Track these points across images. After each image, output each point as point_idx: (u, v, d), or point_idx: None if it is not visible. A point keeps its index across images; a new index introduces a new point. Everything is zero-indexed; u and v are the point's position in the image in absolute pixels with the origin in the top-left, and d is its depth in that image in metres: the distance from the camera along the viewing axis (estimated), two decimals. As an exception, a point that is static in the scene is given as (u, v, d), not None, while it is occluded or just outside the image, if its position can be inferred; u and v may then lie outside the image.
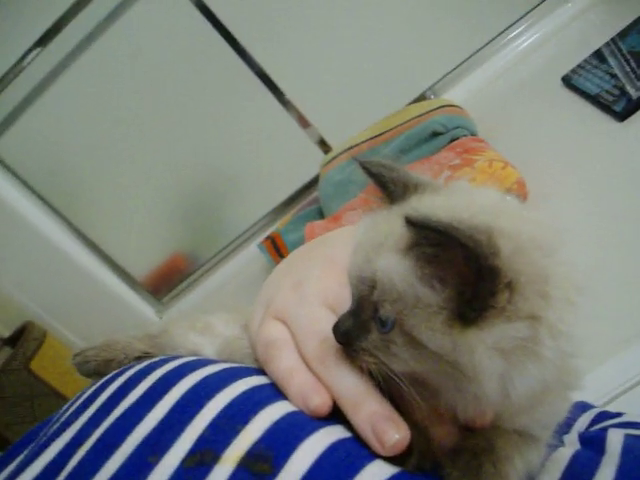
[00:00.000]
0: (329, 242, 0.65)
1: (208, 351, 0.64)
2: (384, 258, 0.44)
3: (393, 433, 0.44)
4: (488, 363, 0.41)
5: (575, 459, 0.51)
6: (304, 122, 2.53)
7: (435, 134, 2.01)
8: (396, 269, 0.43)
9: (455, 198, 0.47)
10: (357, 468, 0.43)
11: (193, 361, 0.54)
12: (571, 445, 0.56)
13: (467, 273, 0.40)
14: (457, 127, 2.01)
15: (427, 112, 2.09)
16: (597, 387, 1.30)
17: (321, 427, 0.46)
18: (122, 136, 2.49)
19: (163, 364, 0.53)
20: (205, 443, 0.44)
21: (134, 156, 2.54)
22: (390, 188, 0.50)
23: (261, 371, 0.54)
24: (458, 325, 0.41)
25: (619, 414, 0.69)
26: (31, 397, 2.29)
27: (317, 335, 0.51)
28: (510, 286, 0.40)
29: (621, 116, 1.93)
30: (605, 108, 1.99)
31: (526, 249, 0.42)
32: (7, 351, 2.46)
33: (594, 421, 0.68)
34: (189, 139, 2.55)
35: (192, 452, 0.43)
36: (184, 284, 2.82)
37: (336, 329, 0.47)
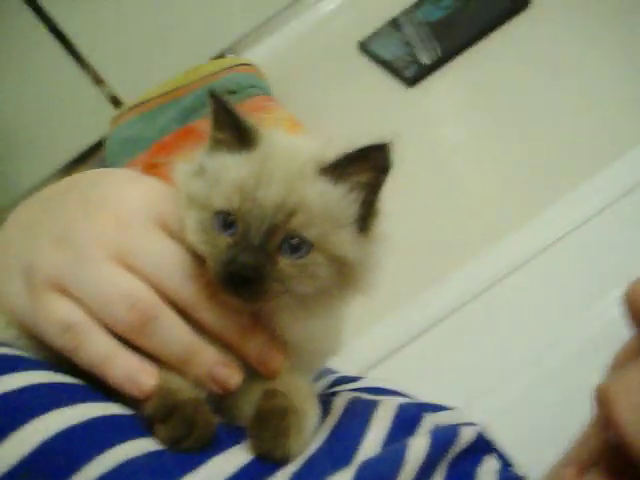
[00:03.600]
0: (85, 186, 0.53)
1: None
2: (312, 185, 0.47)
3: (235, 376, 0.47)
4: (379, 257, 0.50)
5: None
6: (97, 78, 2.34)
7: (230, 92, 1.92)
8: (326, 194, 0.47)
9: (311, 139, 0.53)
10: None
11: None
12: None
13: (372, 184, 0.48)
14: (251, 86, 1.93)
15: (221, 70, 1.99)
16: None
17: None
18: None
19: None
20: None
21: None
22: (241, 128, 0.50)
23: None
24: (362, 233, 0.48)
25: (356, 378, 0.70)
26: None
27: (121, 302, 0.45)
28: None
29: (411, 81, 1.96)
30: (397, 73, 2.01)
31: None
32: None
33: (331, 384, 0.68)
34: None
35: None
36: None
37: (238, 269, 0.45)
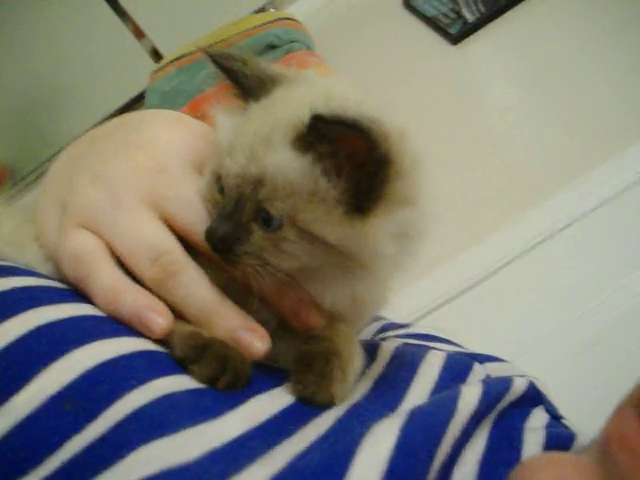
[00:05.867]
0: (128, 127, 0.52)
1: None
2: (276, 154, 0.42)
3: (258, 344, 0.43)
4: (386, 248, 0.42)
5: None
6: (138, 32, 2.33)
7: (271, 47, 1.90)
8: (291, 165, 0.41)
9: (316, 89, 0.47)
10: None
11: None
12: None
13: (362, 163, 0.40)
14: (293, 41, 1.90)
15: (263, 24, 1.96)
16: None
17: None
18: None
19: None
20: None
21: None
22: (245, 83, 0.47)
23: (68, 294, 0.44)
24: (356, 216, 0.41)
25: (405, 325, 0.68)
26: None
27: (148, 252, 0.43)
28: (398, 173, 0.41)
29: (456, 39, 1.92)
30: (441, 31, 1.97)
31: (404, 136, 0.42)
32: None
33: (379, 330, 0.66)
34: (13, 43, 2.25)
35: None
36: (1, 199, 2.50)
37: (211, 236, 0.43)
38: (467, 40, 1.92)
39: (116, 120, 0.54)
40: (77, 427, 0.34)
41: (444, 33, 1.96)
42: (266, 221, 0.42)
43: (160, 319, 0.41)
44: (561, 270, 1.29)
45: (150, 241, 0.44)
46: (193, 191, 0.46)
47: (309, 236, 0.42)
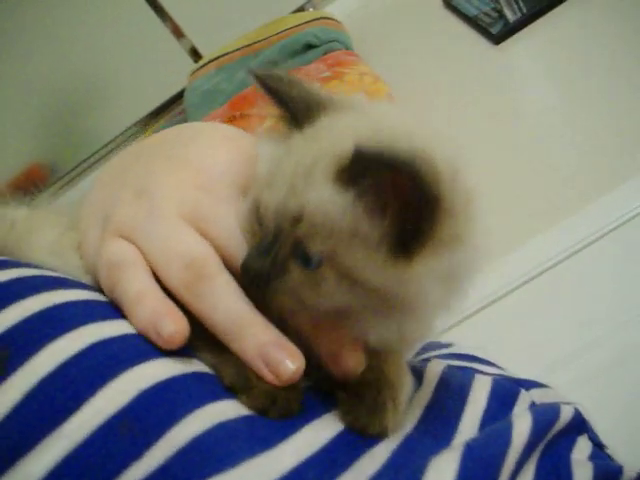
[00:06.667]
0: (177, 141, 0.51)
1: None
2: (316, 190, 0.39)
3: (289, 363, 0.39)
4: (433, 292, 0.40)
5: None
6: (178, 32, 2.35)
7: (309, 46, 1.90)
8: (332, 202, 0.38)
9: (364, 118, 0.43)
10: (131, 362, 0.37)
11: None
12: None
13: (409, 202, 0.37)
14: (332, 40, 1.90)
15: (302, 23, 1.97)
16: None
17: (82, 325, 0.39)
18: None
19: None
20: None
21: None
22: (290, 106, 0.44)
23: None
24: (400, 258, 0.38)
25: (447, 345, 0.67)
26: None
27: (181, 258, 0.42)
28: (449, 213, 0.38)
29: (497, 39, 1.89)
30: (483, 30, 1.94)
31: (457, 173, 0.39)
32: None
33: (421, 350, 0.65)
34: (53, 41, 2.29)
35: None
36: (43, 196, 2.55)
37: (247, 270, 0.40)
38: (509, 40, 1.88)
39: (163, 132, 0.54)
40: (135, 454, 0.33)
41: (485, 33, 1.93)
42: (304, 259, 0.39)
43: (173, 326, 0.39)
44: (601, 279, 1.26)
45: (185, 248, 0.42)
46: (234, 216, 0.44)
47: (349, 278, 0.39)
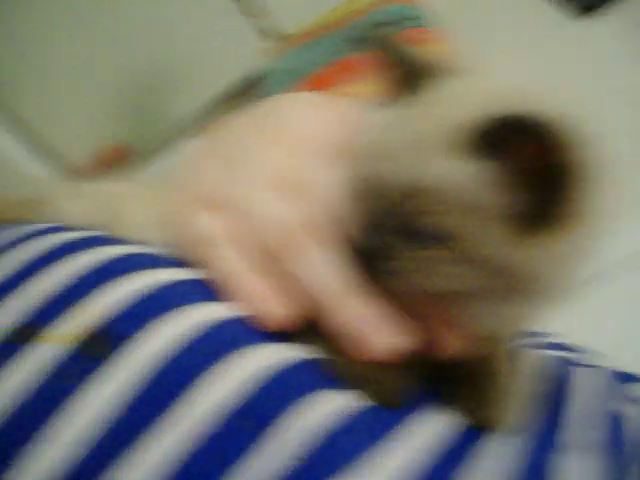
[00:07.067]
0: (267, 112, 0.48)
1: None
2: (437, 162, 0.35)
3: (389, 337, 0.37)
4: (556, 272, 0.36)
5: None
6: (251, 11, 2.35)
7: (382, 24, 1.86)
8: (455, 174, 0.35)
9: (488, 84, 0.40)
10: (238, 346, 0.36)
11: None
12: None
13: (541, 175, 0.33)
14: (404, 19, 1.86)
15: (377, 2, 1.94)
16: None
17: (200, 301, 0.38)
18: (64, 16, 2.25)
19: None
20: (33, 317, 0.35)
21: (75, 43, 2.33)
22: (403, 70, 0.40)
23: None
24: (526, 235, 0.35)
25: (541, 333, 0.64)
26: None
27: (277, 224, 0.40)
28: (584, 188, 0.34)
29: (581, 11, 1.79)
30: (568, 2, 1.84)
31: (594, 142, 0.35)
32: None
33: (520, 339, 0.63)
34: (129, 24, 2.30)
35: (20, 325, 0.35)
36: (125, 174, 2.65)
37: (360, 248, 0.38)
38: (595, 13, 1.79)
39: (252, 107, 0.50)
40: (254, 444, 0.32)
41: (569, 3, 1.83)
42: (420, 238, 0.36)
43: (281, 309, 0.38)
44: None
45: (279, 215, 0.40)
46: (329, 184, 0.41)
47: (469, 257, 0.36)
